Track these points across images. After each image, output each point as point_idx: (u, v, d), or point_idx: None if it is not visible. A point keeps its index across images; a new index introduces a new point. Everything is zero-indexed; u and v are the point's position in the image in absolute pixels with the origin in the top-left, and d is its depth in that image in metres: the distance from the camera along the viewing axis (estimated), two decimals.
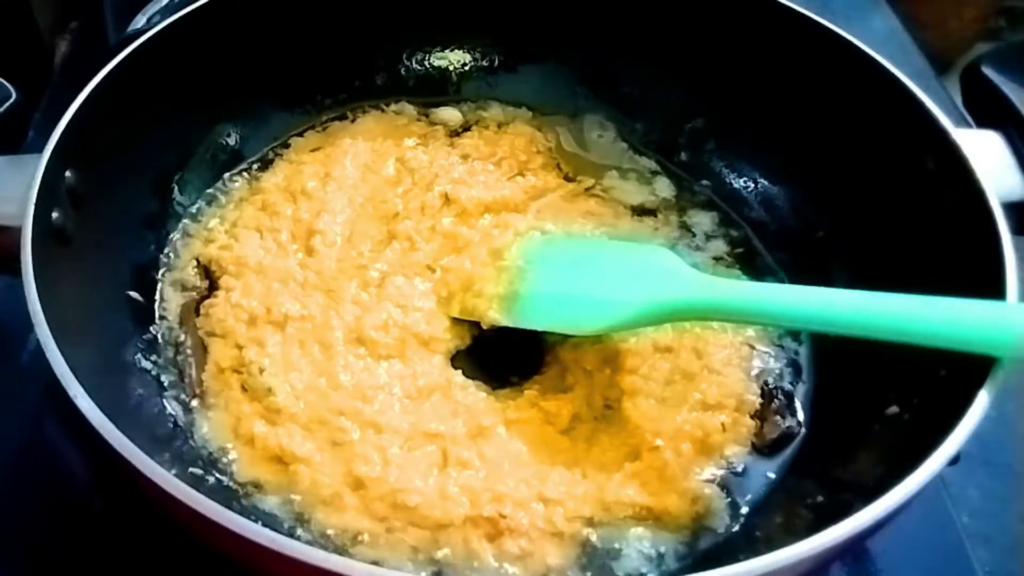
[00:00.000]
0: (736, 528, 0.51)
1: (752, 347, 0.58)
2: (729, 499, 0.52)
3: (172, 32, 0.61)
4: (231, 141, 0.69)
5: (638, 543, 0.50)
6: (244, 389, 0.55)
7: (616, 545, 0.50)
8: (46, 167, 0.50)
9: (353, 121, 0.73)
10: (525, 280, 0.59)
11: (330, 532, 0.49)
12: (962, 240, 0.51)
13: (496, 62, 0.76)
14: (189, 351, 0.58)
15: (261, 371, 0.55)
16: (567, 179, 0.69)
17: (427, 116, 0.73)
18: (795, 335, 0.59)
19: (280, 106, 0.72)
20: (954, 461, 0.41)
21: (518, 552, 0.48)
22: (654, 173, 0.70)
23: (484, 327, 0.58)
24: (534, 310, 0.57)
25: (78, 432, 0.48)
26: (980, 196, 0.50)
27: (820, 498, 0.49)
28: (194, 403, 0.55)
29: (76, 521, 0.54)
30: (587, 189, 0.69)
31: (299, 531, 0.49)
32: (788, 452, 0.54)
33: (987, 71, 0.59)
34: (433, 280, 0.61)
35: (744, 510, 0.51)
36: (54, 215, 0.51)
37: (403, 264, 0.62)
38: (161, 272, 0.61)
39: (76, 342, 0.45)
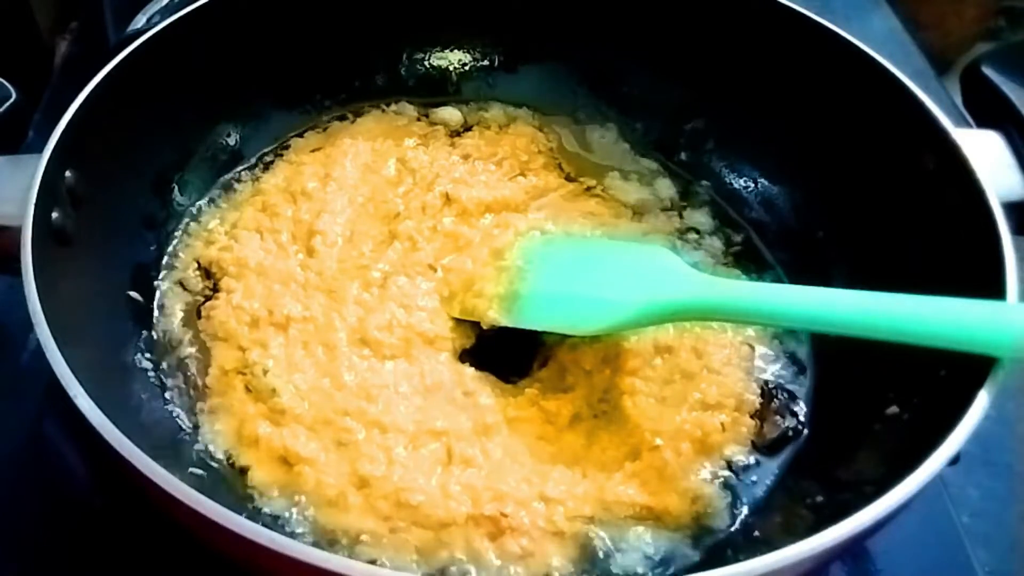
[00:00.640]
0: (736, 528, 0.51)
1: (752, 347, 0.58)
2: (729, 499, 0.52)
3: (172, 32, 0.61)
4: (231, 141, 0.69)
5: (638, 542, 0.50)
6: (248, 390, 0.55)
7: (616, 544, 0.50)
8: (46, 167, 0.50)
9: (353, 121, 0.73)
10: (525, 280, 0.59)
11: (333, 532, 0.49)
12: (962, 240, 0.51)
13: (496, 62, 0.76)
14: (191, 353, 0.58)
15: (265, 372, 0.55)
16: (568, 179, 0.69)
17: (427, 116, 0.74)
18: (795, 335, 0.59)
19: (280, 106, 0.72)
20: (954, 461, 0.41)
21: (519, 551, 0.48)
22: (655, 173, 0.70)
23: (484, 327, 0.58)
24: (534, 310, 0.57)
25: (78, 432, 0.48)
26: (980, 196, 0.50)
27: (820, 498, 0.49)
28: (197, 404, 0.55)
29: (76, 521, 0.54)
30: (588, 189, 0.69)
31: (302, 531, 0.49)
32: (788, 452, 0.54)
33: (987, 71, 0.59)
34: (435, 280, 0.61)
35: (744, 510, 0.51)
36: (54, 215, 0.51)
37: (405, 264, 0.62)
38: (161, 273, 0.61)
39: (76, 342, 0.45)
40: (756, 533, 0.50)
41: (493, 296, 0.59)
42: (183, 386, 0.56)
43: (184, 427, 0.54)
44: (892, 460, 0.45)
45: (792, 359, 0.58)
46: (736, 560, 0.37)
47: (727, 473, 0.53)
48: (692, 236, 0.66)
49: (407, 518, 0.49)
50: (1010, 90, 0.58)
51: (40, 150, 0.51)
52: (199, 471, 0.51)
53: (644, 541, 0.50)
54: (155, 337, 0.58)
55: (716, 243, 0.65)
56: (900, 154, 0.58)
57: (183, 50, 0.62)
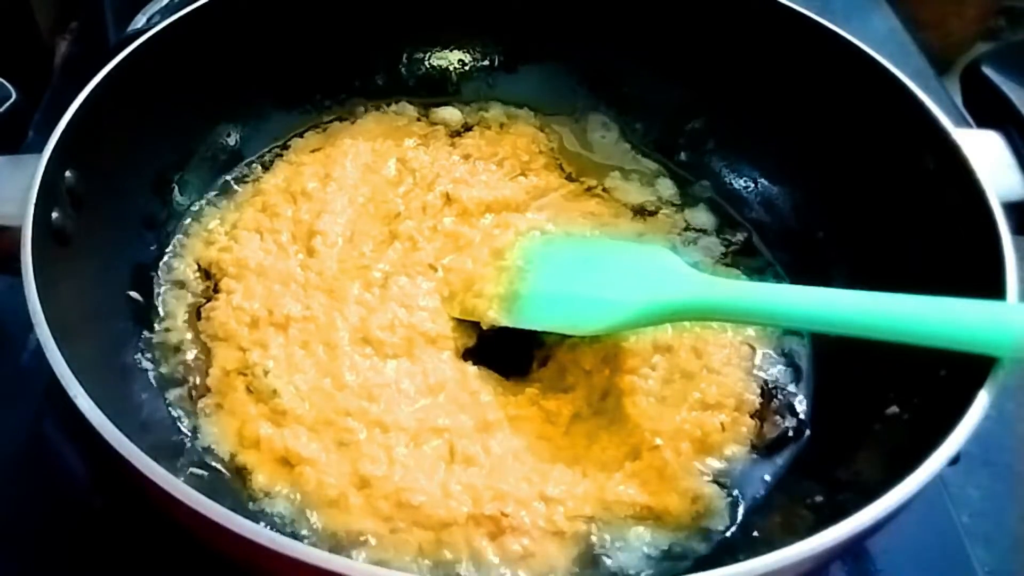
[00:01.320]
0: (736, 528, 0.51)
1: (752, 347, 0.58)
2: (729, 499, 0.52)
3: (172, 32, 0.61)
4: (231, 141, 0.69)
5: (638, 542, 0.50)
6: (249, 391, 0.55)
7: (617, 544, 0.49)
8: (46, 167, 0.50)
9: (353, 122, 0.73)
10: (525, 280, 0.59)
11: (334, 532, 0.49)
12: (962, 240, 0.51)
13: (496, 62, 0.76)
14: (192, 354, 0.58)
15: (266, 373, 0.55)
16: (569, 179, 0.69)
17: (427, 116, 0.74)
18: (795, 335, 0.59)
19: (280, 106, 0.72)
20: (954, 461, 0.41)
21: (520, 551, 0.48)
22: (656, 173, 0.70)
23: (484, 327, 0.58)
24: (534, 310, 0.57)
25: (78, 432, 0.48)
26: (980, 196, 0.50)
27: (820, 498, 0.49)
28: (197, 405, 0.55)
29: (76, 521, 0.54)
30: (589, 189, 0.69)
31: (303, 531, 0.49)
32: (788, 452, 0.54)
33: (987, 71, 0.59)
34: (436, 280, 0.61)
35: (744, 510, 0.51)
36: (54, 215, 0.51)
37: (405, 264, 0.62)
38: (161, 273, 0.61)
39: (76, 342, 0.45)
40: (756, 533, 0.50)
41: (493, 296, 0.59)
42: (183, 386, 0.56)
43: (184, 427, 0.54)
44: (892, 460, 0.45)
45: (792, 359, 0.58)
46: (736, 560, 0.37)
47: (727, 473, 0.53)
48: (692, 236, 0.66)
49: (408, 518, 0.49)
50: (1010, 90, 0.58)
51: (40, 150, 0.51)
52: (199, 471, 0.51)
53: (644, 541, 0.50)
54: (155, 337, 0.58)
55: (716, 243, 0.65)
56: (900, 154, 0.58)
57: (183, 50, 0.62)
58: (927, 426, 0.44)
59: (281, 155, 0.70)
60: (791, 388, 0.57)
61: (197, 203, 0.66)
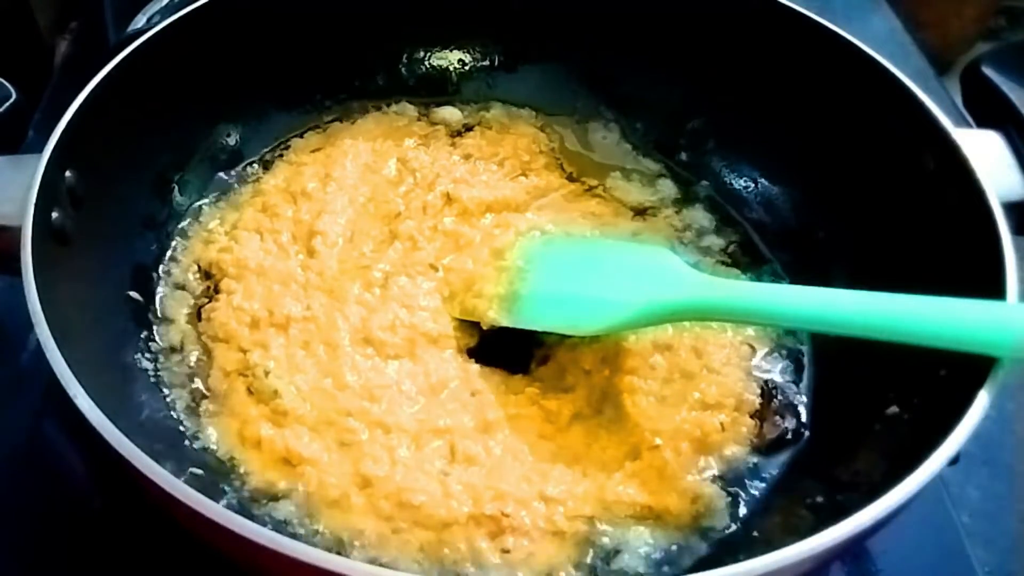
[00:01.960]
0: (736, 528, 0.51)
1: (752, 347, 0.58)
2: (729, 499, 0.52)
3: (172, 32, 0.61)
4: (231, 141, 0.69)
5: (638, 542, 0.50)
6: (250, 392, 0.55)
7: (617, 544, 0.50)
8: (46, 167, 0.50)
9: (353, 122, 0.73)
10: (525, 280, 0.59)
11: (335, 532, 0.49)
12: (962, 240, 0.51)
13: (496, 62, 0.76)
14: (192, 354, 0.57)
15: (266, 374, 0.55)
16: (570, 179, 0.69)
17: (428, 116, 0.73)
18: (795, 335, 0.59)
19: (280, 106, 0.72)
20: (954, 461, 0.41)
21: (520, 551, 0.48)
22: (656, 173, 0.70)
23: (484, 327, 0.58)
24: (534, 310, 0.57)
25: (78, 432, 0.48)
26: (980, 196, 0.50)
27: (820, 498, 0.49)
28: (198, 405, 0.55)
29: (76, 521, 0.54)
30: (590, 189, 0.69)
31: (304, 531, 0.49)
32: (788, 452, 0.54)
33: (987, 71, 0.59)
34: (436, 280, 0.61)
35: (744, 510, 0.51)
36: (54, 215, 0.51)
37: (406, 264, 0.62)
38: (161, 273, 0.61)
39: (76, 342, 0.45)
40: (756, 533, 0.50)
41: (493, 296, 0.59)
42: (184, 387, 0.56)
43: (185, 427, 0.54)
44: (892, 460, 0.45)
45: (792, 359, 0.58)
46: (736, 560, 0.37)
47: (727, 473, 0.53)
48: (692, 236, 0.66)
49: (409, 518, 0.49)
50: (1010, 90, 0.58)
51: (40, 150, 0.51)
52: (199, 471, 0.51)
53: (644, 541, 0.50)
54: (155, 337, 0.58)
55: (716, 243, 0.65)
56: (900, 154, 0.58)
57: (183, 50, 0.62)
58: (927, 426, 0.44)
59: (281, 155, 0.70)
60: (791, 388, 0.57)
61: (197, 203, 0.66)
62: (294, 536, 0.48)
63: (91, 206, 0.54)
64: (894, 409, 0.50)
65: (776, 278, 0.63)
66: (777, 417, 0.55)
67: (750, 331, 0.59)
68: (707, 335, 0.58)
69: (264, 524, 0.47)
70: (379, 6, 0.72)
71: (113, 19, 0.83)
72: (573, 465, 0.52)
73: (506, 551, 0.48)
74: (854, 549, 0.53)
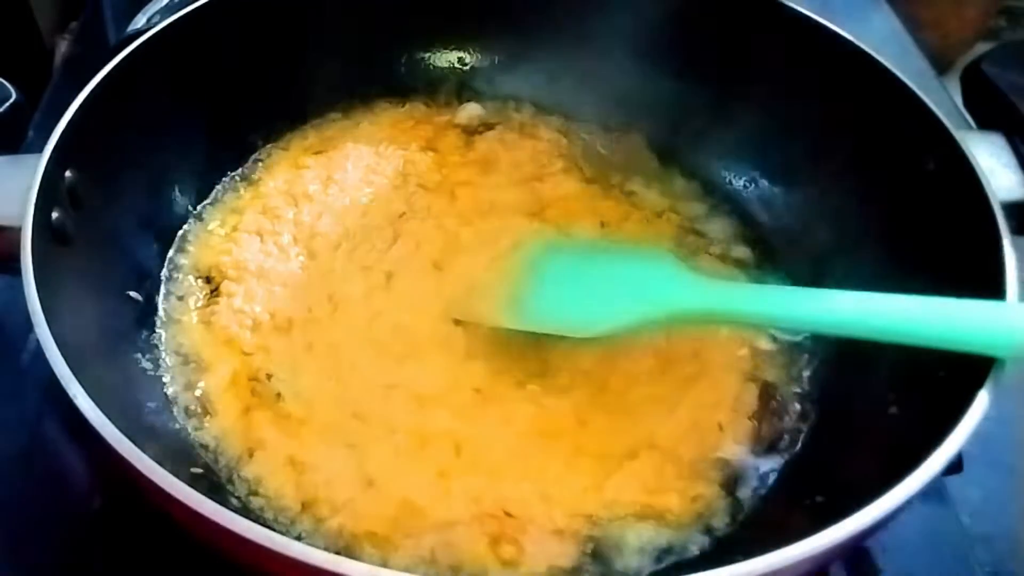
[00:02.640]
0: (736, 528, 0.51)
1: (751, 347, 0.58)
2: (729, 499, 0.52)
3: (172, 32, 0.61)
4: (231, 142, 0.69)
5: (639, 541, 0.50)
6: (252, 394, 0.55)
7: (617, 543, 0.50)
8: (46, 167, 0.50)
9: (358, 123, 0.73)
10: (528, 282, 0.59)
11: (337, 533, 0.49)
12: (962, 240, 0.51)
13: (496, 61, 0.76)
14: (192, 355, 0.57)
15: (269, 377, 0.55)
16: (586, 182, 0.69)
17: (438, 116, 0.73)
18: (795, 335, 0.59)
19: (281, 107, 0.71)
20: (957, 469, 0.41)
21: (521, 550, 0.48)
22: (656, 174, 0.70)
23: (486, 328, 0.58)
24: (536, 312, 0.57)
25: (78, 432, 0.48)
26: (980, 196, 0.50)
27: (820, 498, 0.49)
28: (198, 406, 0.55)
29: (76, 521, 0.54)
30: (599, 192, 0.68)
31: (306, 533, 0.49)
32: (787, 452, 0.54)
33: (987, 71, 0.59)
34: (439, 280, 0.61)
35: (744, 510, 0.51)
36: (54, 215, 0.51)
37: (408, 264, 0.61)
38: (162, 274, 0.61)
39: (76, 343, 0.45)
40: (756, 533, 0.50)
41: (496, 297, 0.59)
42: (184, 387, 0.56)
43: (185, 428, 0.54)
44: (892, 461, 0.45)
45: (791, 359, 0.58)
46: (736, 560, 0.37)
47: (727, 473, 0.53)
48: (692, 237, 0.66)
49: (411, 518, 0.49)
50: (1010, 90, 0.58)
51: (40, 150, 0.51)
52: (199, 471, 0.51)
53: (644, 540, 0.50)
54: (156, 338, 0.58)
55: (717, 244, 0.65)
56: (901, 154, 0.58)
57: (183, 50, 0.62)
58: (927, 426, 0.44)
59: (282, 156, 0.70)
60: (790, 389, 0.57)
61: (197, 204, 0.66)
62: (297, 537, 0.48)
63: (91, 206, 0.54)
64: (894, 409, 0.50)
65: (776, 279, 0.63)
66: (776, 418, 0.55)
67: (749, 332, 0.59)
68: (706, 336, 0.58)
69: (265, 525, 0.47)
70: (382, 5, 0.71)
71: (113, 19, 0.83)
72: (573, 464, 0.52)
73: (507, 551, 0.48)
74: (854, 549, 0.53)
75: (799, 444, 0.54)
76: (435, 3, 0.73)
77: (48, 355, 0.43)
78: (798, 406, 0.56)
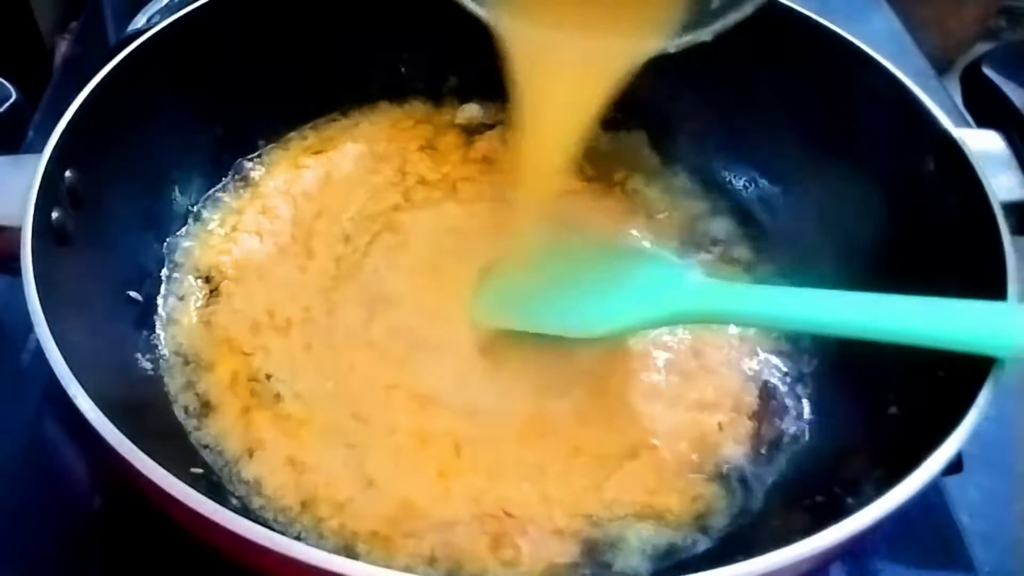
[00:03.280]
0: (736, 528, 0.51)
1: (751, 347, 0.58)
2: (728, 498, 0.52)
3: (172, 32, 0.61)
4: (231, 142, 0.69)
5: (638, 541, 0.50)
6: (252, 395, 0.55)
7: (617, 543, 0.50)
8: (46, 167, 0.50)
9: (357, 123, 0.73)
10: (527, 281, 0.59)
11: (338, 534, 0.49)
12: (962, 240, 0.51)
13: (496, 61, 0.76)
14: (192, 355, 0.57)
15: (268, 377, 0.55)
16: (586, 180, 0.69)
17: (438, 116, 0.73)
18: (794, 335, 0.59)
19: (281, 107, 0.71)
20: (957, 469, 0.41)
21: (521, 550, 0.48)
22: (655, 173, 0.70)
23: (485, 328, 0.58)
24: (534, 311, 0.57)
25: (78, 432, 0.48)
26: (980, 196, 0.50)
27: (820, 498, 0.49)
28: (198, 406, 0.55)
29: (76, 521, 0.54)
30: (601, 190, 0.68)
31: (306, 533, 0.49)
32: (787, 452, 0.54)
33: (987, 71, 0.59)
34: (438, 280, 0.61)
35: (744, 510, 0.51)
36: (54, 215, 0.51)
37: (407, 264, 0.61)
38: (162, 273, 0.61)
39: (76, 342, 0.45)
40: (756, 533, 0.50)
41: (495, 296, 0.59)
42: (184, 387, 0.56)
43: (185, 428, 0.54)
44: (892, 460, 0.45)
45: (792, 359, 0.58)
46: (736, 560, 0.37)
47: (727, 473, 0.53)
48: (692, 237, 0.66)
49: (411, 519, 0.49)
50: (1010, 90, 0.58)
51: (40, 150, 0.51)
52: (199, 471, 0.51)
53: (644, 540, 0.50)
54: (156, 338, 0.58)
55: (716, 243, 0.65)
56: (900, 154, 0.58)
57: (183, 50, 0.62)
58: (927, 426, 0.44)
59: (281, 156, 0.70)
60: (790, 389, 0.57)
61: (197, 204, 0.66)
62: (297, 537, 0.48)
63: (91, 206, 0.54)
64: (894, 409, 0.50)
65: (776, 279, 0.63)
66: (776, 417, 0.55)
67: (749, 332, 0.59)
68: (705, 335, 0.58)
69: (265, 525, 0.47)
70: (383, 5, 0.71)
71: (113, 19, 0.83)
72: (573, 464, 0.52)
73: (507, 550, 0.48)
74: (854, 549, 0.53)
75: (799, 444, 0.54)
76: (435, 3, 0.73)
77: (48, 355, 0.43)
78: (798, 406, 0.56)
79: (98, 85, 0.55)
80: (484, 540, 0.49)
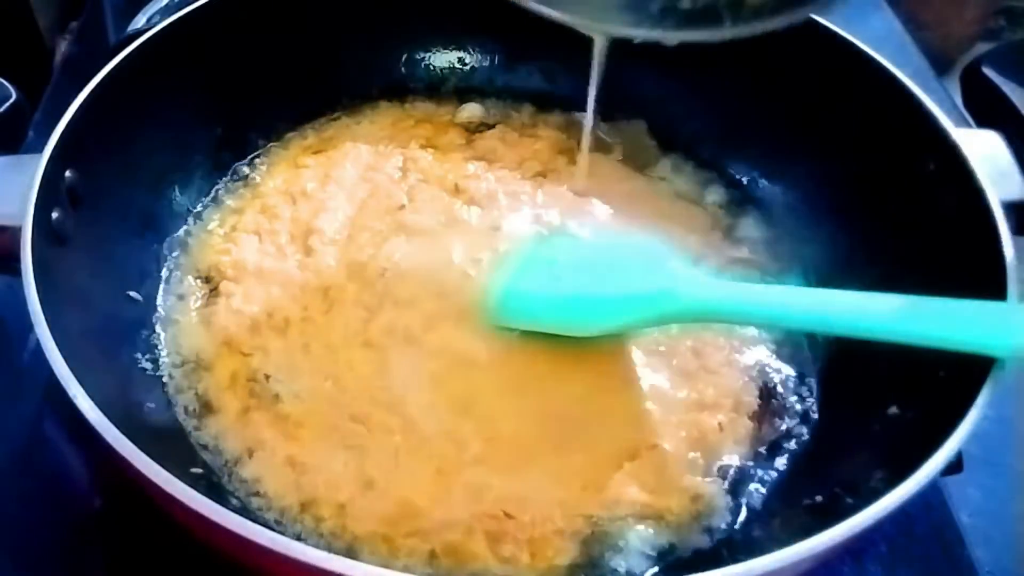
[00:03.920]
0: (736, 528, 0.51)
1: (751, 347, 0.58)
2: (729, 499, 0.52)
3: (172, 32, 0.61)
4: (231, 142, 0.69)
5: (639, 541, 0.50)
6: (251, 395, 0.55)
7: (617, 543, 0.50)
8: (46, 167, 0.50)
9: (358, 122, 0.73)
10: (526, 280, 0.59)
11: (338, 534, 0.49)
12: (962, 240, 0.51)
13: (496, 61, 0.76)
14: (192, 355, 0.57)
15: (267, 378, 0.55)
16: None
17: (438, 116, 0.73)
18: (795, 335, 0.59)
19: (281, 107, 0.71)
20: (957, 469, 0.41)
21: (521, 550, 0.48)
22: (673, 173, 0.70)
23: (485, 327, 0.58)
24: (534, 310, 0.57)
25: (78, 432, 0.48)
26: (980, 196, 0.50)
27: (820, 498, 0.49)
28: (198, 406, 0.55)
29: (76, 521, 0.54)
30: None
31: (306, 533, 0.49)
32: (787, 452, 0.54)
33: (987, 71, 0.59)
34: (437, 279, 0.61)
35: (744, 510, 0.51)
36: (54, 215, 0.51)
37: (406, 263, 0.61)
38: (162, 273, 0.61)
39: (76, 342, 0.45)
40: (756, 533, 0.50)
41: (494, 296, 0.59)
42: (184, 387, 0.56)
43: (185, 427, 0.54)
44: (892, 461, 0.45)
45: (792, 359, 0.58)
46: (736, 560, 0.37)
47: (727, 473, 0.53)
48: (692, 237, 0.66)
49: (411, 519, 0.49)
50: (1010, 90, 0.58)
51: (40, 150, 0.51)
52: (199, 471, 0.51)
53: (644, 540, 0.50)
54: (155, 338, 0.58)
55: (716, 242, 0.65)
56: (900, 154, 0.58)
57: (183, 50, 0.62)
58: (927, 426, 0.44)
59: (281, 156, 0.70)
60: (790, 389, 0.57)
61: (197, 204, 0.66)
62: (296, 537, 0.48)
63: (91, 206, 0.54)
64: (894, 409, 0.50)
65: (776, 279, 0.63)
66: (776, 417, 0.55)
67: (750, 331, 0.59)
68: (706, 336, 0.58)
69: (265, 525, 0.47)
70: (383, 5, 0.71)
71: (113, 19, 0.83)
72: (573, 464, 0.52)
73: (507, 551, 0.48)
74: (854, 549, 0.53)
75: (799, 444, 0.54)
76: (435, 3, 0.73)
77: (48, 355, 0.43)
78: (798, 406, 0.56)
79: (98, 85, 0.55)
80: (484, 540, 0.49)
